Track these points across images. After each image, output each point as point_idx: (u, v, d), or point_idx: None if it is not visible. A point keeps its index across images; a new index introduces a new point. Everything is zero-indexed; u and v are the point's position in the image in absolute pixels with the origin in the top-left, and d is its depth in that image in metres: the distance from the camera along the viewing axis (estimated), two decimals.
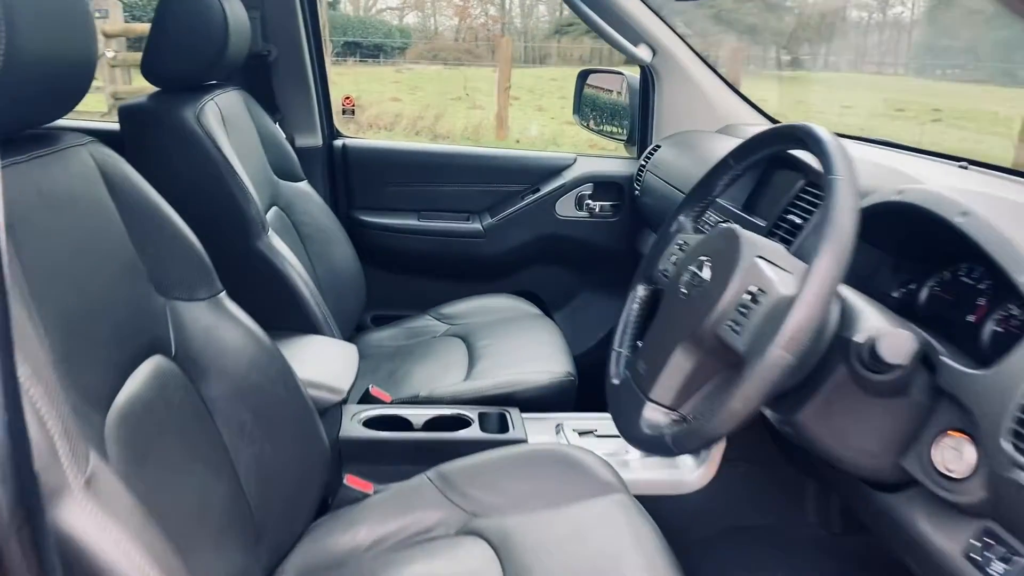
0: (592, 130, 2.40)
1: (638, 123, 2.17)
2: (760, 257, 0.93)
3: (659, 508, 1.35)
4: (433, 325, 2.03)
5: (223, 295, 1.08)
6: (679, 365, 0.96)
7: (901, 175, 1.26)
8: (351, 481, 1.31)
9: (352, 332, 1.99)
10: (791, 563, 1.52)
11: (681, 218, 1.16)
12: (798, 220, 1.30)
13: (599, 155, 2.31)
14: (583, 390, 1.69)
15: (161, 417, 0.92)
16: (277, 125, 1.97)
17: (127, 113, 1.48)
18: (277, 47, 1.98)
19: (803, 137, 0.95)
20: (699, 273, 0.98)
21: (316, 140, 2.12)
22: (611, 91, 2.33)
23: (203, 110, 1.49)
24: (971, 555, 0.87)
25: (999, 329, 1.02)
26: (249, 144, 1.68)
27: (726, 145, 1.85)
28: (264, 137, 1.79)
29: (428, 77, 11.31)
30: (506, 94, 7.89)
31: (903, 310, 1.14)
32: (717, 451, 1.48)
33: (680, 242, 1.12)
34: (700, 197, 1.15)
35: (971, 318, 1.07)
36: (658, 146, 2.04)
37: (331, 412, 1.39)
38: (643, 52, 1.99)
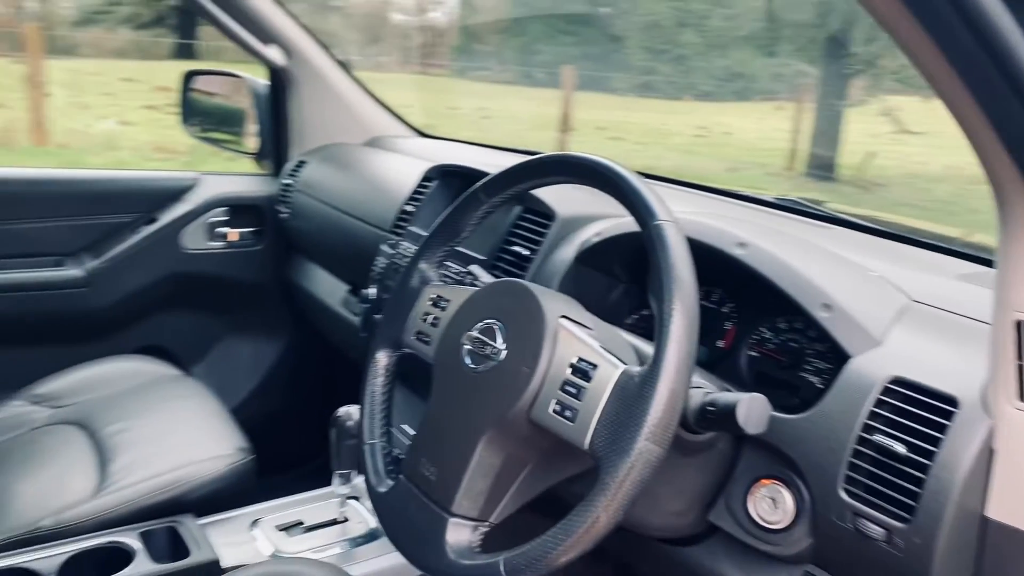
0: (208, 141, 2.02)
1: (270, 134, 1.87)
2: (565, 317, 0.77)
3: None
4: (28, 412, 1.49)
5: None
6: (486, 464, 0.76)
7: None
8: None
9: None
10: None
11: (422, 265, 0.95)
12: (524, 251, 1.17)
13: (229, 172, 1.95)
14: (258, 461, 1.38)
15: None
16: None
17: None
18: None
19: (589, 172, 0.81)
20: (489, 341, 0.79)
21: None
22: (226, 96, 1.98)
23: None
24: None
25: (754, 354, 1.01)
26: None
27: (388, 162, 1.69)
28: None
29: None
30: (40, 90, 6.63)
31: (639, 336, 1.08)
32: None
33: (433, 296, 0.91)
34: (444, 240, 0.95)
35: (721, 344, 1.05)
36: (303, 161, 1.78)
37: None
38: (275, 53, 1.71)
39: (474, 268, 1.01)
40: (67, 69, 9.67)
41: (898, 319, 0.84)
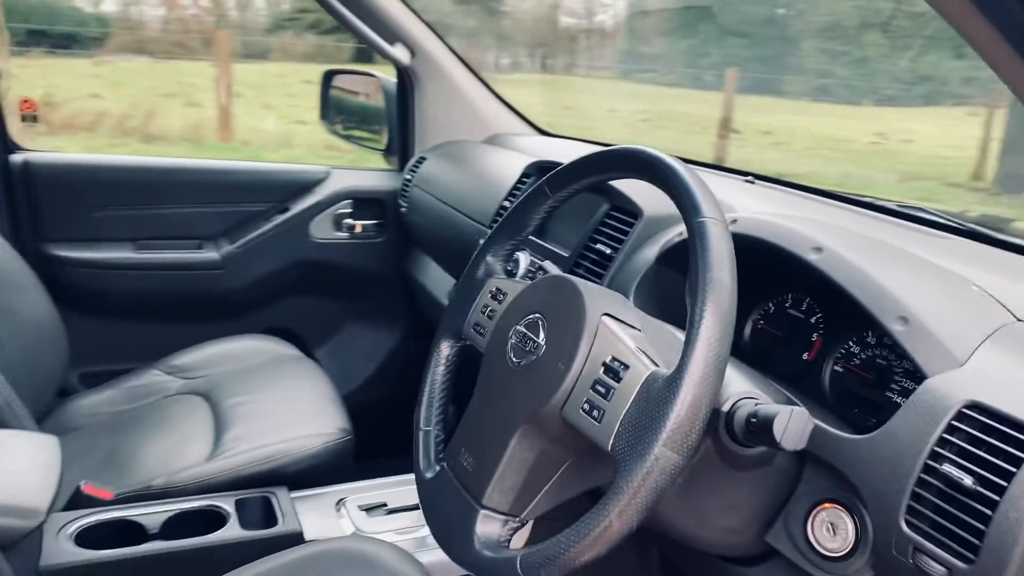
0: (343, 137, 2.13)
1: (397, 131, 1.94)
2: (608, 315, 0.75)
3: None
4: (163, 381, 1.64)
5: None
6: (519, 458, 0.75)
7: None
8: None
9: (53, 399, 1.55)
10: None
11: (489, 259, 0.95)
12: (607, 250, 1.15)
13: (357, 167, 2.04)
14: (359, 444, 1.43)
15: None
16: None
17: None
18: None
19: (646, 166, 0.78)
20: (532, 336, 0.78)
21: None
22: (363, 94, 2.08)
23: None
24: None
25: (839, 369, 0.94)
26: None
27: (500, 158, 1.71)
28: None
29: (133, 71, 10.11)
30: (228, 91, 7.23)
31: None
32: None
33: (493, 290, 0.91)
34: (510, 234, 0.95)
35: (806, 356, 0.98)
36: (423, 158, 1.83)
37: (29, 539, 1.01)
38: (400, 52, 1.77)
39: (547, 264, 1.00)
40: (256, 72, 10.49)
41: (991, 339, 0.75)
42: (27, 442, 1.10)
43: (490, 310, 0.90)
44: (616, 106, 11.63)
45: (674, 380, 0.63)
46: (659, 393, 0.64)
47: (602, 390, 0.69)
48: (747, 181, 1.37)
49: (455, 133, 1.88)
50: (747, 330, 1.06)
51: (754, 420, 0.69)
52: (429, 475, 0.87)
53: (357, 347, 2.04)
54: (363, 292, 2.04)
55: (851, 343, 0.93)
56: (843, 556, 0.76)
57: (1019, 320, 0.79)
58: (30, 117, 1.84)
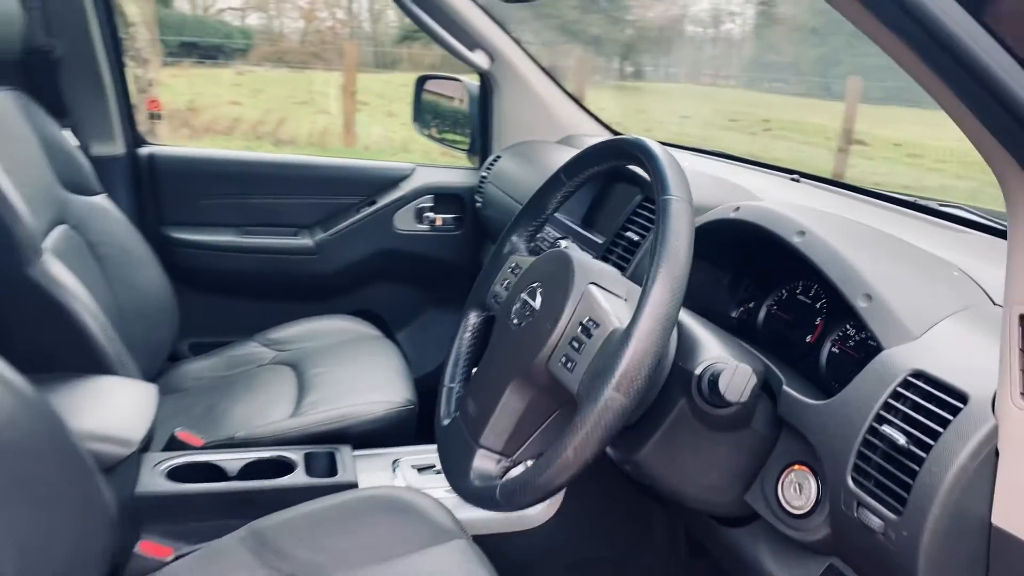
0: (434, 138, 2.28)
1: (478, 132, 2.08)
2: (594, 284, 0.85)
3: (503, 546, 1.25)
4: (259, 352, 1.84)
5: None
6: (510, 405, 0.86)
7: (737, 190, 1.22)
8: (145, 548, 1.13)
9: (165, 363, 1.77)
10: None
11: (514, 238, 1.07)
12: (635, 237, 1.24)
13: (439, 165, 2.20)
14: (425, 417, 1.57)
15: None
16: (69, 132, 1.72)
17: None
18: (62, 42, 1.73)
19: (635, 152, 0.87)
20: (530, 301, 0.89)
21: (116, 148, 1.88)
22: (452, 98, 2.23)
23: None
24: None
25: (835, 350, 0.99)
26: (24, 153, 1.45)
27: (565, 156, 1.80)
28: (48, 145, 1.55)
29: (272, 80, 10.82)
30: (352, 99, 7.65)
31: (742, 330, 1.09)
32: None
33: (512, 265, 1.02)
34: (533, 216, 1.06)
35: (809, 338, 1.04)
36: (498, 156, 1.96)
37: (125, 465, 1.20)
38: (480, 58, 1.91)
39: (561, 242, 1.10)
40: (384, 81, 10.96)
41: (954, 317, 0.79)
42: (130, 387, 1.30)
43: (507, 283, 1.01)
44: (737, 115, 11.41)
45: (626, 334, 0.72)
46: (614, 346, 0.73)
47: (576, 345, 0.79)
48: (792, 179, 1.42)
49: (531, 134, 1.99)
50: (761, 315, 1.12)
51: (710, 378, 0.77)
52: (446, 423, 0.99)
53: (434, 331, 2.19)
54: (441, 281, 2.18)
55: (848, 326, 0.98)
56: (806, 514, 0.83)
57: (994, 304, 0.82)
58: (156, 115, 2.10)
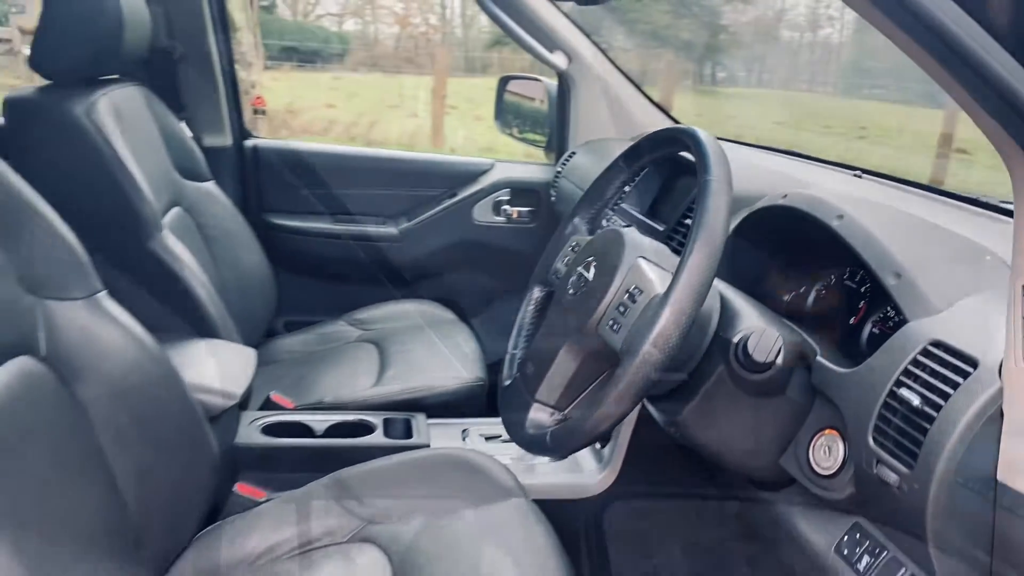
0: (514, 137, 2.40)
1: (556, 130, 2.18)
2: (643, 258, 0.94)
3: (563, 512, 1.34)
4: (346, 331, 1.99)
5: (103, 295, 1.04)
6: (564, 365, 0.96)
7: (792, 180, 1.28)
8: (242, 489, 1.28)
9: (262, 338, 1.94)
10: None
11: (576, 220, 1.16)
12: (690, 222, 1.31)
13: (517, 160, 2.31)
14: (495, 396, 1.68)
15: (25, 419, 0.88)
16: (184, 124, 1.91)
17: (12, 105, 1.42)
18: (183, 44, 1.93)
19: (685, 139, 0.96)
20: (585, 274, 0.98)
21: (225, 140, 2.07)
22: (532, 98, 2.33)
23: (95, 105, 1.43)
24: (841, 550, 0.89)
25: (875, 331, 1.05)
26: (148, 142, 1.63)
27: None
28: (167, 136, 1.73)
29: (366, 84, 11.21)
30: (441, 102, 7.86)
31: (793, 314, 1.16)
32: (619, 454, 1.48)
33: (573, 244, 1.12)
34: (593, 200, 1.15)
35: (852, 320, 1.09)
36: (573, 152, 2.05)
37: (227, 418, 1.35)
38: (558, 59, 2.00)
39: (615, 222, 1.19)
40: (474, 85, 11.18)
41: (978, 294, 0.85)
42: (233, 348, 1.46)
43: (567, 260, 1.11)
44: (832, 123, 11.15)
45: (664, 297, 0.81)
46: (654, 308, 0.82)
47: (622, 310, 0.89)
48: (855, 175, 1.46)
49: (606, 131, 2.08)
50: (811, 299, 1.18)
51: (744, 343, 0.85)
52: (507, 383, 1.10)
53: (507, 319, 2.29)
54: (515, 271, 2.28)
55: (888, 308, 1.04)
56: (834, 474, 0.89)
57: None
58: (260, 111, 2.29)
